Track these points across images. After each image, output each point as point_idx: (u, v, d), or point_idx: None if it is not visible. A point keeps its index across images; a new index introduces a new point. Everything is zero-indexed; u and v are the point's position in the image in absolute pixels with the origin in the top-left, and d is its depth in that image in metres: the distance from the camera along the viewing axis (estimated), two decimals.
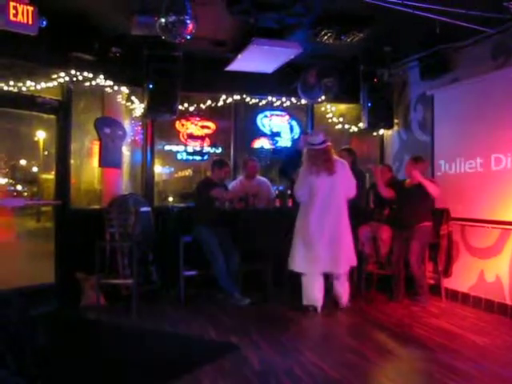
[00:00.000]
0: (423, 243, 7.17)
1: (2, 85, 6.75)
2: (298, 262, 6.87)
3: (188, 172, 9.54)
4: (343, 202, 6.86)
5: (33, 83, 7.03)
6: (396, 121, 9.09)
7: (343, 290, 6.94)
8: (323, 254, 6.73)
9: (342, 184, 6.83)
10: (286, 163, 8.07)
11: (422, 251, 7.17)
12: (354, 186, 6.94)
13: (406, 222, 7.18)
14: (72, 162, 7.70)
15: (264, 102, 9.08)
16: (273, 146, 9.44)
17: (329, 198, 6.77)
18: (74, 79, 7.38)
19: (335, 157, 6.98)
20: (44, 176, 8.27)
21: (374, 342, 5.53)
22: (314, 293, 6.81)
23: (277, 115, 9.49)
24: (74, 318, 6.69)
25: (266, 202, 8.19)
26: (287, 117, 9.56)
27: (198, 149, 9.06)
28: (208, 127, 9.15)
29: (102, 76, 7.65)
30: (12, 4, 5.43)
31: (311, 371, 4.69)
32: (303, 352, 5.21)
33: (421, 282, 7.18)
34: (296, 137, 9.36)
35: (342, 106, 9.60)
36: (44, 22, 5.72)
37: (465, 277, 7.32)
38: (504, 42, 6.77)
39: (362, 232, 7.66)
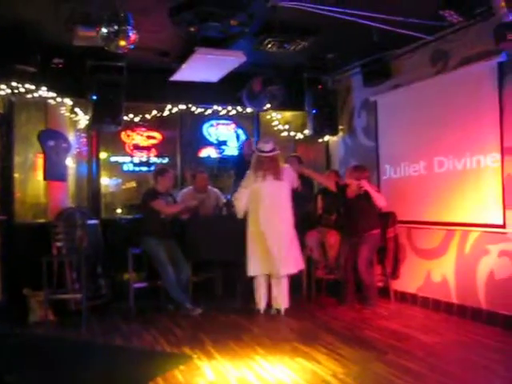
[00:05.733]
0: (372, 249, 7.26)
1: None
2: (254, 266, 7.02)
3: (133, 183, 9.43)
4: (288, 207, 7.06)
5: None
6: (341, 127, 9.21)
7: (284, 294, 7.06)
8: (270, 255, 6.91)
9: (286, 188, 7.05)
10: (235, 167, 8.21)
11: (370, 256, 7.27)
12: (296, 178, 7.23)
13: (355, 230, 7.24)
14: (16, 175, 7.58)
15: (210, 111, 9.11)
16: (219, 155, 9.45)
17: (274, 201, 6.97)
18: (16, 91, 7.26)
19: (281, 164, 7.15)
20: None
21: (325, 346, 5.56)
22: (259, 295, 7.10)
23: (223, 124, 9.52)
24: (23, 335, 6.54)
25: (212, 211, 8.18)
26: (233, 125, 9.59)
27: (144, 159, 9.00)
28: (154, 137, 9.09)
29: (44, 88, 7.54)
30: None
31: (265, 378, 4.71)
32: (256, 359, 5.22)
33: (370, 286, 7.26)
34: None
35: (288, 114, 9.69)
36: None
37: (412, 278, 7.45)
38: (442, 49, 6.95)
39: (309, 237, 7.73)
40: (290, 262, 6.99)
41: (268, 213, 6.94)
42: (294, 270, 7.07)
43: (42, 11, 6.04)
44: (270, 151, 7.01)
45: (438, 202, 7.03)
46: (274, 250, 6.89)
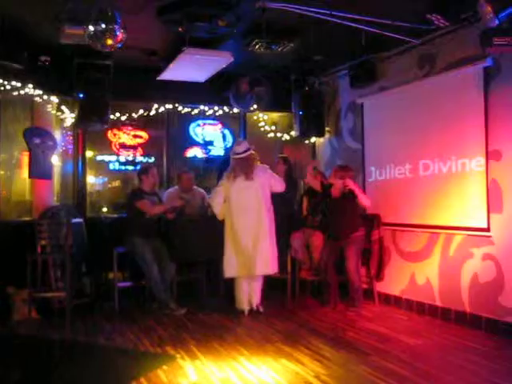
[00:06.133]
0: (358, 250, 7.26)
1: None
2: (230, 268, 7.03)
3: (119, 182, 9.41)
4: (262, 206, 7.04)
5: None
6: (327, 128, 9.22)
7: (256, 292, 7.14)
8: (245, 255, 6.95)
9: (262, 188, 7.05)
10: (220, 168, 8.23)
11: (357, 258, 7.28)
12: (278, 181, 7.23)
13: (340, 233, 7.25)
14: (1, 173, 7.55)
15: (196, 110, 9.09)
16: (206, 155, 9.46)
17: (246, 202, 6.99)
18: (2, 88, 7.21)
19: (258, 163, 7.17)
20: None
21: (308, 347, 5.58)
22: (240, 296, 7.10)
23: (209, 124, 9.51)
24: (5, 333, 6.51)
25: (197, 211, 8.18)
26: (220, 126, 9.59)
27: (130, 158, 8.98)
28: (140, 136, 9.06)
29: (30, 85, 7.50)
30: None
31: (248, 378, 4.72)
32: (239, 360, 5.23)
33: (358, 288, 7.26)
34: (229, 145, 9.40)
35: (275, 115, 9.69)
36: None
37: (397, 280, 7.48)
38: (428, 52, 6.99)
39: (294, 239, 7.75)
40: (264, 262, 6.98)
41: (240, 213, 6.98)
42: (267, 271, 7.07)
43: (29, 8, 6.01)
44: (243, 152, 7.04)
45: (422, 205, 7.06)
46: (248, 250, 6.92)
